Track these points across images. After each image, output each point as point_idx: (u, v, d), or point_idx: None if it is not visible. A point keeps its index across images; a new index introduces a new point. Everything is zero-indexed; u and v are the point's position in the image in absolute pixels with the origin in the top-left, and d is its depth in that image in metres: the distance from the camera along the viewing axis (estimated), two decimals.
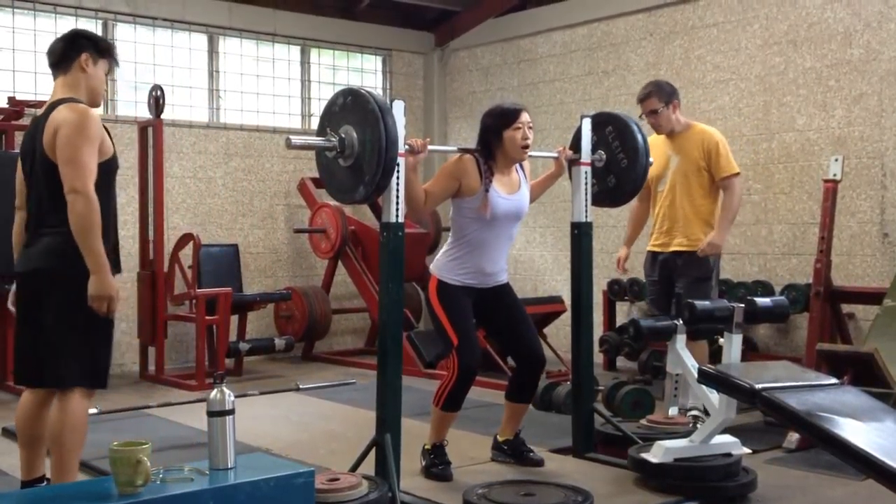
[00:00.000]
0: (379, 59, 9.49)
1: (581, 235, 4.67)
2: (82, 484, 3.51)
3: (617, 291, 7.59)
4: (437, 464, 4.23)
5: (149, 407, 5.84)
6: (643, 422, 4.82)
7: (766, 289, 6.69)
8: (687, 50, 7.56)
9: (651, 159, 4.72)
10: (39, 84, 7.37)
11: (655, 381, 6.31)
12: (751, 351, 6.50)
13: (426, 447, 4.31)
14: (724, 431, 4.13)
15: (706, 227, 5.31)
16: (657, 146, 5.32)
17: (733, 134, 7.23)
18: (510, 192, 4.21)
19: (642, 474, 4.11)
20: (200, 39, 8.30)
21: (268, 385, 6.79)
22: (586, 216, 4.64)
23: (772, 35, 7.05)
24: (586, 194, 4.63)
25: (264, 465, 3.18)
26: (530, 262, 8.78)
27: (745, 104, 7.20)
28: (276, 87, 8.74)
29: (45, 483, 3.67)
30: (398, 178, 3.83)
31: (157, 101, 7.14)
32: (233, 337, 7.39)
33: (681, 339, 4.34)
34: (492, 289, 4.28)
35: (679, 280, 5.31)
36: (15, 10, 7.32)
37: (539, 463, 4.43)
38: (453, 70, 9.54)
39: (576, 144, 4.64)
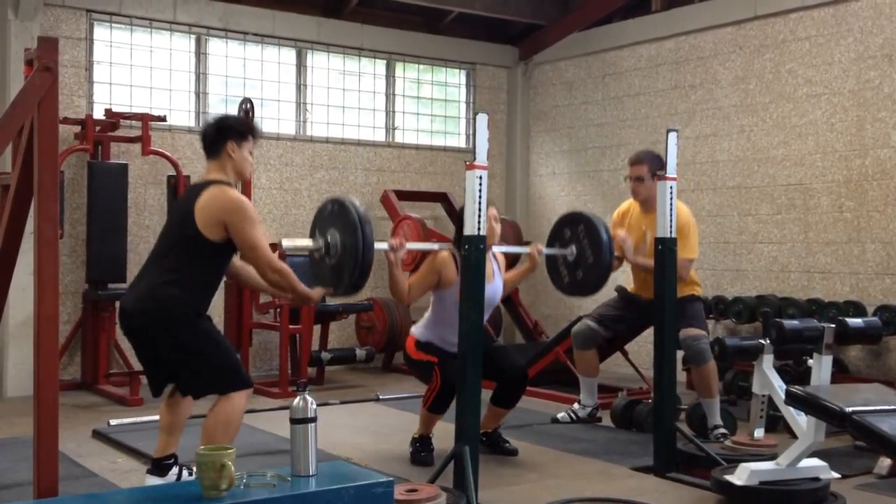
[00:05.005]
0: (463, 73, 9.54)
1: (665, 251, 4.66)
2: (169, 487, 3.61)
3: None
4: (420, 451, 4.76)
5: None
6: (727, 443, 4.73)
7: (858, 309, 6.50)
8: (777, 64, 7.41)
9: (616, 253, 5.13)
10: (135, 97, 7.63)
11: (740, 401, 6.18)
12: (841, 373, 6.31)
13: (415, 436, 4.83)
14: (813, 455, 4.02)
15: (682, 284, 5.17)
16: (634, 216, 5.57)
17: (826, 150, 7.06)
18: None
19: (726, 497, 4.03)
20: (289, 54, 8.47)
21: (348, 395, 6.86)
22: (671, 231, 4.64)
23: (866, 49, 6.86)
24: (671, 210, 4.64)
25: (345, 473, 3.22)
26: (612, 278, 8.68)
27: (837, 119, 7.02)
28: (361, 100, 8.86)
29: (173, 460, 4.11)
30: (481, 188, 3.89)
31: (246, 113, 7.32)
32: (315, 346, 7.49)
33: (768, 360, 4.25)
34: None
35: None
36: (113, 25, 7.58)
37: (513, 452, 4.91)
38: (537, 84, 9.53)
39: (551, 240, 5.09)
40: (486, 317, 4.54)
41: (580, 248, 4.97)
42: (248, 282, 4.36)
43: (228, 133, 4.06)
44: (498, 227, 4.78)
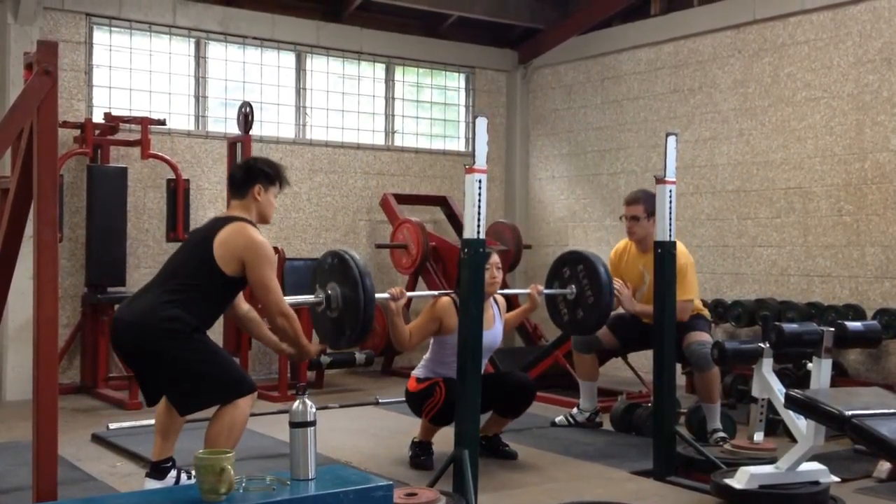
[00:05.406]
0: (462, 77, 9.55)
1: (664, 254, 4.65)
2: (168, 490, 3.61)
3: None
4: (420, 455, 4.79)
5: None
6: (727, 446, 4.73)
7: (857, 313, 6.49)
8: (776, 67, 7.42)
9: (616, 289, 5.16)
10: (134, 100, 7.63)
11: (740, 404, 6.18)
12: (840, 377, 6.31)
13: (414, 440, 4.86)
14: (812, 459, 4.02)
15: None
16: (630, 256, 5.55)
17: (825, 153, 7.06)
18: (485, 327, 4.36)
19: (725, 500, 4.02)
20: (289, 58, 8.48)
21: (348, 398, 6.86)
22: (670, 235, 4.64)
23: (865, 53, 6.87)
24: (670, 214, 4.64)
25: (344, 477, 3.21)
26: None
27: (836, 123, 7.02)
28: (360, 104, 8.86)
29: (170, 463, 4.13)
30: (480, 191, 3.90)
31: (246, 117, 7.32)
32: None
33: (767, 364, 4.25)
34: None
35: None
36: (112, 29, 7.59)
37: (513, 456, 4.93)
38: (536, 88, 9.54)
39: (550, 279, 5.14)
40: (484, 362, 4.55)
41: (580, 288, 5.03)
42: (253, 331, 4.40)
43: (257, 176, 4.12)
44: (500, 276, 4.79)
